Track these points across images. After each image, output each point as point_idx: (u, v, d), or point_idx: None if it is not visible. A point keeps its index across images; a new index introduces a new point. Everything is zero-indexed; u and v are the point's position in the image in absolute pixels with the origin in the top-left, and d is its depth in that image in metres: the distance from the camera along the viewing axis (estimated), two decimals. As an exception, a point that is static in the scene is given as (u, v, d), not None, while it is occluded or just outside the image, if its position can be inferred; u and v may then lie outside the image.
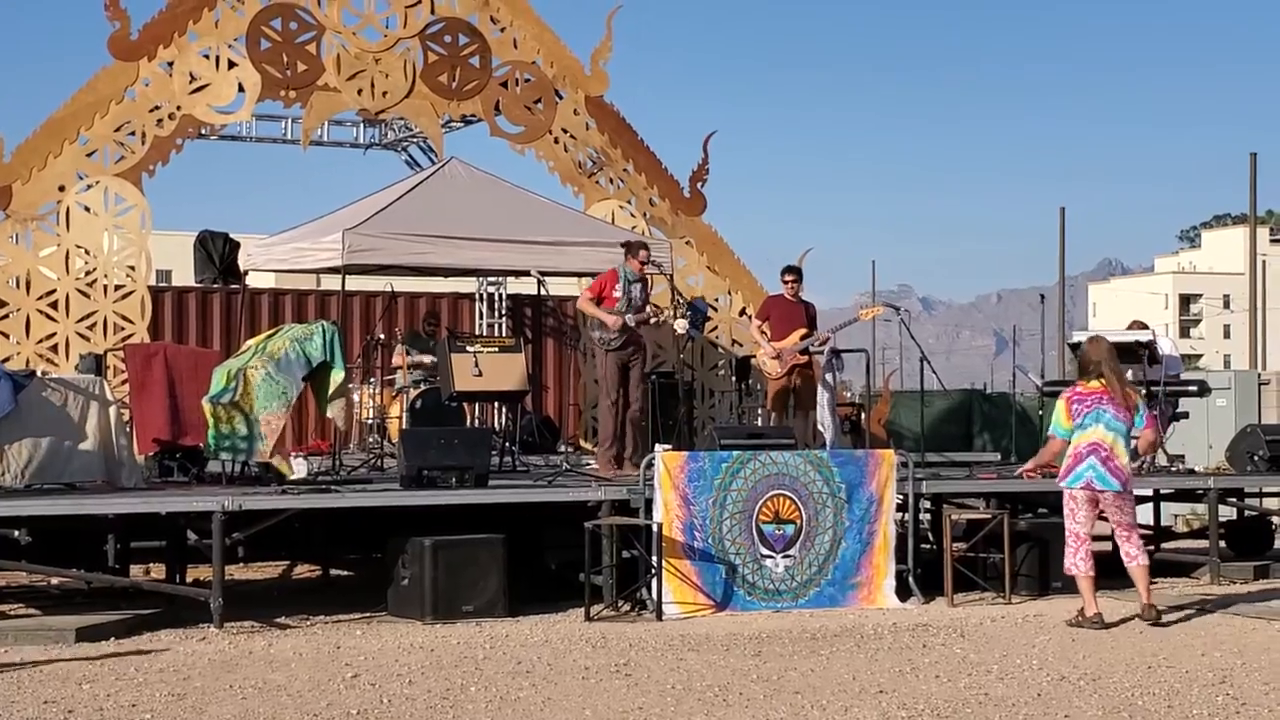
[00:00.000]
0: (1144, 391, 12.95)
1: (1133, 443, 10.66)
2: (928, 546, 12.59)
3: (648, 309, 13.40)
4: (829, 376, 14.44)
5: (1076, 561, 10.58)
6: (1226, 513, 14.54)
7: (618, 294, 13.08)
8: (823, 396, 14.37)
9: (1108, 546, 11.00)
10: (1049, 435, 10.85)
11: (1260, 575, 13.39)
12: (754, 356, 15.14)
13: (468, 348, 13.73)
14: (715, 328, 17.89)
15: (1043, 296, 19.00)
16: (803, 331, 14.38)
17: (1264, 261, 59.94)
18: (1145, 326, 14.91)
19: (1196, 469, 15.19)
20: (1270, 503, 15.97)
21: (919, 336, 15.63)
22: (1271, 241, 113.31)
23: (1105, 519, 10.74)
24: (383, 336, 16.26)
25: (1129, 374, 13.77)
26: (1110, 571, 11.06)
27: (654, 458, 11.38)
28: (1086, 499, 10.55)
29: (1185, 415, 15.17)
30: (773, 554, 11.51)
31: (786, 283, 14.59)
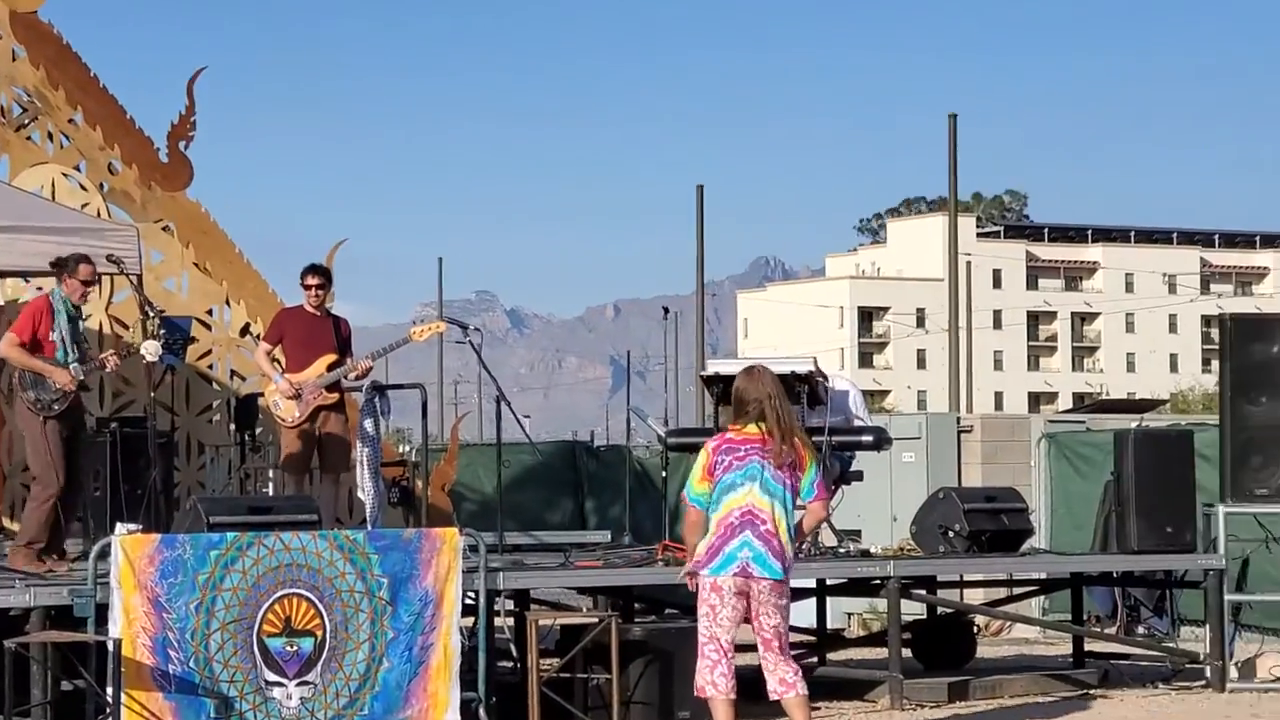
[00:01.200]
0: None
1: (795, 515, 10.79)
2: (507, 665, 12.71)
3: (105, 355, 13.16)
4: (369, 424, 14.48)
5: (715, 679, 10.61)
6: (914, 610, 15.17)
7: (55, 336, 12.74)
8: (361, 452, 14.40)
9: (753, 658, 11.24)
10: (684, 502, 10.75)
11: (958, 696, 14.00)
12: (262, 394, 15.04)
13: None
14: (206, 352, 17.70)
15: (666, 310, 19.45)
16: (331, 358, 14.37)
17: (969, 262, 62.76)
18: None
19: (874, 550, 15.76)
20: (972, 595, 16.73)
21: (508, 364, 15.95)
22: (979, 236, 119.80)
23: (749, 621, 10.82)
24: None
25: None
26: (755, 692, 11.33)
27: (110, 544, 11.18)
28: (735, 591, 10.58)
29: (858, 476, 15.74)
30: (283, 680, 11.45)
31: (308, 288, 14.56)
